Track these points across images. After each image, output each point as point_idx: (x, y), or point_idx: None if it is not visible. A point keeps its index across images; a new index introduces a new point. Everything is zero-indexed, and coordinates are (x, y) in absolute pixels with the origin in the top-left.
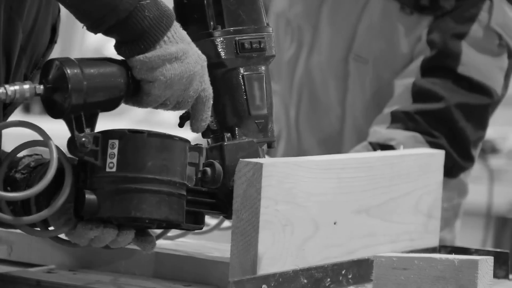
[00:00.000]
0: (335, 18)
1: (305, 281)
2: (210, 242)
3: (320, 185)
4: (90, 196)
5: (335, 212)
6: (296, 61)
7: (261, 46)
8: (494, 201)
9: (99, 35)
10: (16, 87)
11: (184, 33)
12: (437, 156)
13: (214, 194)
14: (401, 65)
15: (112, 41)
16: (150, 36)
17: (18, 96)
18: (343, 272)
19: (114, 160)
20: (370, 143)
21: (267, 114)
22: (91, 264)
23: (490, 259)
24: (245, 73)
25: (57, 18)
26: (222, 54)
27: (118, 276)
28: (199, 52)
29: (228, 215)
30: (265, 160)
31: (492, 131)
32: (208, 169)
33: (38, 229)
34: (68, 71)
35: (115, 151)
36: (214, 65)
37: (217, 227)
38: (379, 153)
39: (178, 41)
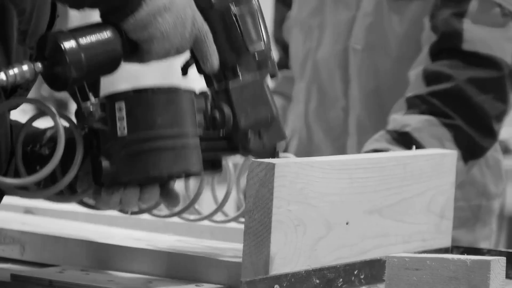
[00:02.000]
0: (337, 11)
1: (317, 281)
2: (222, 242)
3: (333, 185)
4: (106, 164)
5: (347, 212)
6: (306, 60)
7: None
8: (507, 201)
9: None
10: (15, 70)
11: None
12: (450, 156)
13: (227, 137)
14: (395, 51)
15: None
16: None
17: (19, 79)
18: (355, 272)
19: (124, 123)
20: (388, 131)
21: (265, 48)
22: (103, 264)
23: (502, 260)
24: (237, 8)
25: None
26: None
27: (130, 276)
28: None
29: (244, 152)
30: (278, 161)
31: (505, 132)
32: (217, 113)
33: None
34: (64, 44)
35: (123, 113)
36: (204, 8)
37: (236, 219)
38: (392, 154)
39: None
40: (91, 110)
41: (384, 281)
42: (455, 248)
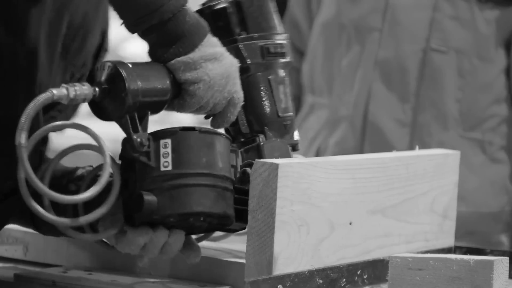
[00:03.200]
0: (407, 13)
1: (321, 281)
2: (225, 242)
3: (336, 185)
4: (148, 197)
5: (350, 213)
6: (358, 62)
7: (283, 50)
8: None
9: (117, 35)
10: (77, 88)
11: (216, 39)
12: (453, 156)
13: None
14: (489, 53)
15: (127, 42)
16: (190, 40)
17: (78, 98)
18: (358, 272)
19: (169, 159)
20: None
21: (292, 116)
22: (106, 264)
23: (505, 260)
24: (270, 76)
25: (107, 24)
26: (248, 59)
27: (134, 276)
28: (231, 55)
29: None
30: (281, 161)
31: None
32: (248, 169)
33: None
34: (124, 71)
35: (169, 150)
36: (241, 70)
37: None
38: (395, 154)
39: (213, 45)
40: (141, 141)
41: (387, 281)
42: (458, 248)
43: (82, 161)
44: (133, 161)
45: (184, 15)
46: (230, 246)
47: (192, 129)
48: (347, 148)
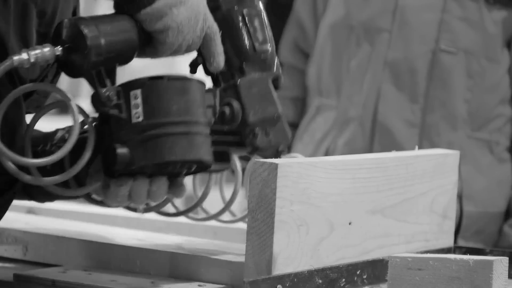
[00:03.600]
0: (416, 14)
1: (320, 281)
2: (225, 242)
3: (335, 185)
4: (121, 150)
5: (350, 213)
6: (367, 63)
7: None
8: None
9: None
10: (37, 51)
11: None
12: (452, 156)
13: (235, 132)
14: (496, 54)
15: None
16: None
17: (40, 60)
18: (358, 272)
19: (140, 110)
20: None
21: (271, 50)
22: (106, 264)
23: (505, 260)
24: (244, 9)
25: (77, 1)
26: None
27: (133, 276)
28: None
29: (251, 148)
30: (281, 161)
31: None
32: (227, 108)
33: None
34: (84, 27)
35: (139, 101)
36: (213, 7)
37: (243, 219)
38: (394, 154)
39: None
40: (109, 95)
41: (387, 281)
42: (458, 248)
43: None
44: (105, 115)
45: None
46: (230, 245)
47: (161, 77)
48: (356, 149)
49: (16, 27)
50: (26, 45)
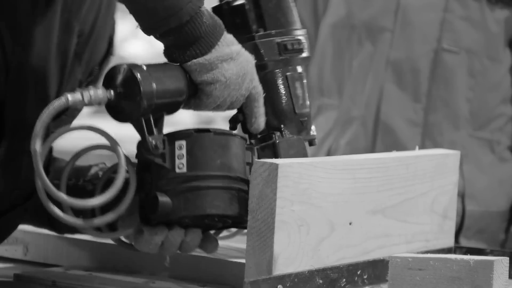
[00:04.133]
0: (418, 13)
1: (321, 281)
2: (225, 242)
3: (336, 185)
4: (163, 198)
5: (350, 213)
6: (369, 62)
7: (301, 47)
8: None
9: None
10: (91, 92)
11: (232, 37)
12: (453, 156)
13: None
14: (498, 53)
15: (127, 42)
16: (206, 41)
17: (93, 102)
18: (358, 272)
19: (184, 161)
20: None
21: (309, 112)
22: (106, 264)
23: (505, 260)
24: (288, 73)
25: (113, 29)
26: (265, 56)
27: (134, 276)
28: (247, 52)
29: None
30: (281, 161)
31: None
32: None
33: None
34: (138, 74)
35: (184, 152)
36: (258, 67)
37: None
38: (395, 154)
39: (229, 43)
40: (156, 144)
41: (387, 281)
42: (458, 248)
43: (92, 161)
44: (148, 162)
45: (201, 17)
46: (231, 245)
47: (207, 130)
48: (359, 148)
49: (58, 43)
50: (63, 62)
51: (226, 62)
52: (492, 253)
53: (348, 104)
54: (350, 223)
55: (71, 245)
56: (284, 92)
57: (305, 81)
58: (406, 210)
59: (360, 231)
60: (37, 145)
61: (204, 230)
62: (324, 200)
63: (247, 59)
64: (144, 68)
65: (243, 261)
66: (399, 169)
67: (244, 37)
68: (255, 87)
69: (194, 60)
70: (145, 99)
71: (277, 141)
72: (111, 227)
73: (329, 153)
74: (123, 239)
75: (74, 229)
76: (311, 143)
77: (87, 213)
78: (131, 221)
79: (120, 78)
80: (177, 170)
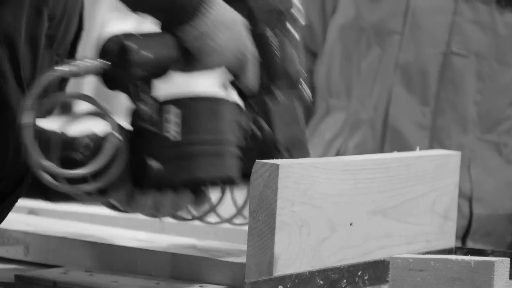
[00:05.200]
0: (427, 16)
1: (321, 282)
2: (227, 242)
3: (337, 186)
4: (154, 164)
5: (351, 213)
6: (378, 65)
7: (295, 12)
8: None
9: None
10: (88, 62)
11: (222, 1)
12: (454, 157)
13: (260, 152)
14: (507, 57)
15: (114, 19)
16: (197, 10)
17: (87, 71)
18: (359, 273)
19: (175, 127)
20: None
21: (300, 69)
22: (107, 265)
23: (506, 261)
24: (275, 31)
25: (82, 5)
26: (259, 17)
27: (134, 277)
28: (239, 15)
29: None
30: (282, 161)
31: None
32: (258, 129)
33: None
34: (130, 43)
35: (175, 118)
36: (250, 29)
37: (229, 220)
38: (396, 154)
39: (221, 11)
40: (147, 110)
41: (388, 282)
42: (459, 249)
43: None
44: (140, 129)
45: None
46: (232, 246)
47: (197, 97)
48: (367, 151)
49: (28, 29)
50: (35, 48)
51: (218, 29)
52: (493, 254)
53: (357, 106)
54: (351, 224)
55: (72, 246)
56: (272, 52)
57: (296, 39)
58: (407, 210)
59: (361, 232)
60: (28, 118)
61: (195, 190)
62: (325, 200)
63: (239, 22)
64: (136, 37)
65: (244, 261)
66: (400, 169)
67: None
68: (247, 49)
69: (185, 27)
70: (136, 67)
71: (270, 105)
72: (103, 193)
73: (338, 155)
74: (114, 203)
75: (67, 197)
76: (305, 103)
77: (79, 182)
78: (122, 185)
79: (113, 48)
80: (168, 136)
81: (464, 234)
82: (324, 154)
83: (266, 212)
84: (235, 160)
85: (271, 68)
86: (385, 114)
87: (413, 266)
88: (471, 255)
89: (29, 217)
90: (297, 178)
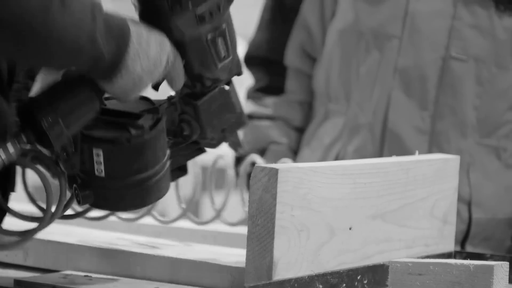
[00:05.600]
0: (427, 21)
1: (321, 286)
2: (225, 247)
3: (336, 190)
4: (84, 193)
5: (350, 218)
6: (377, 69)
7: (220, 9)
8: None
9: None
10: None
11: (142, 27)
12: (452, 161)
13: (194, 142)
14: (506, 61)
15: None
16: (112, 64)
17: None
18: (358, 277)
19: (102, 167)
20: None
21: (232, 58)
22: (107, 269)
23: (505, 265)
24: (209, 36)
25: None
26: (184, 31)
27: (134, 281)
28: (160, 39)
29: (210, 149)
30: (281, 166)
31: None
32: (186, 127)
33: None
34: (45, 123)
35: (101, 159)
36: (179, 39)
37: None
38: (395, 159)
39: (138, 40)
40: (73, 163)
41: (387, 286)
42: (458, 253)
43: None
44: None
45: (98, 45)
46: (231, 250)
47: (120, 140)
48: (366, 156)
49: None
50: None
51: (133, 60)
52: (492, 258)
53: (356, 111)
54: (350, 228)
55: (71, 250)
56: (205, 52)
57: (229, 30)
58: (406, 215)
59: (360, 236)
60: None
61: None
62: (324, 205)
63: (158, 43)
64: (50, 109)
65: (243, 266)
66: (399, 174)
67: (162, 17)
68: (171, 63)
69: (110, 86)
70: (56, 142)
71: (198, 104)
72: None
73: (337, 160)
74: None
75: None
76: (239, 74)
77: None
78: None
79: (29, 121)
80: (96, 173)
81: (463, 239)
82: (323, 158)
83: (265, 216)
84: (167, 179)
85: (204, 66)
86: (384, 118)
87: (412, 270)
88: (470, 259)
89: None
90: (296, 182)
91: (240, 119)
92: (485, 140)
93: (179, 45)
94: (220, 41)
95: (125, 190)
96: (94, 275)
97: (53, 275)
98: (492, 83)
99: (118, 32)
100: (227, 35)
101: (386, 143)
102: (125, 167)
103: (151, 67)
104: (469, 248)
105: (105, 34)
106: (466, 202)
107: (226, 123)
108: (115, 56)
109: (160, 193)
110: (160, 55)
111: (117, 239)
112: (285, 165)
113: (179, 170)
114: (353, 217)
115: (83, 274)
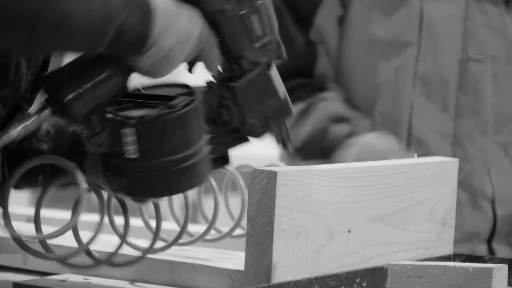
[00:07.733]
0: (442, 25)
1: None
2: (225, 250)
3: (335, 193)
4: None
5: (349, 220)
6: (396, 76)
7: None
8: None
9: None
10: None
11: (169, 4)
12: (451, 164)
13: (235, 129)
14: None
15: None
16: (138, 40)
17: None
18: (357, 280)
19: (132, 148)
20: None
21: (271, 38)
22: (105, 272)
23: (504, 267)
24: (242, 12)
25: None
26: (214, 7)
27: (132, 284)
28: (190, 13)
29: (255, 138)
30: (280, 169)
31: None
32: (225, 112)
33: None
34: (68, 100)
35: (133, 139)
36: (216, 13)
37: (229, 234)
38: (394, 162)
39: (166, 28)
40: (96, 139)
41: None
42: (457, 256)
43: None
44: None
45: (126, 22)
46: (230, 253)
47: (154, 118)
48: None
49: None
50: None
51: (161, 33)
52: (491, 260)
53: (379, 121)
54: (349, 231)
55: (70, 253)
56: (240, 30)
57: (265, 10)
58: (405, 217)
59: (359, 239)
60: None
61: None
62: (323, 208)
63: (188, 18)
64: (73, 87)
65: (242, 269)
66: (398, 177)
67: None
68: (205, 41)
69: (132, 60)
70: (78, 119)
71: (236, 86)
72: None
73: None
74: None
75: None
76: (280, 57)
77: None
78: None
79: (51, 97)
80: (126, 156)
81: (489, 237)
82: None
83: (264, 219)
84: (206, 164)
85: (240, 45)
86: (408, 126)
87: (411, 273)
88: (469, 261)
89: (27, 225)
90: (295, 185)
91: (285, 107)
92: (497, 137)
93: (211, 22)
94: (254, 18)
95: (158, 173)
96: (92, 279)
97: (52, 279)
98: (507, 80)
99: (141, 5)
100: (263, 13)
101: (411, 150)
102: (156, 146)
103: (182, 40)
104: (494, 246)
105: (124, 8)
106: (489, 199)
107: (269, 110)
108: (141, 29)
109: (196, 179)
110: (190, 29)
111: (115, 242)
112: (283, 168)
113: (221, 160)
114: (352, 220)
115: (81, 277)
